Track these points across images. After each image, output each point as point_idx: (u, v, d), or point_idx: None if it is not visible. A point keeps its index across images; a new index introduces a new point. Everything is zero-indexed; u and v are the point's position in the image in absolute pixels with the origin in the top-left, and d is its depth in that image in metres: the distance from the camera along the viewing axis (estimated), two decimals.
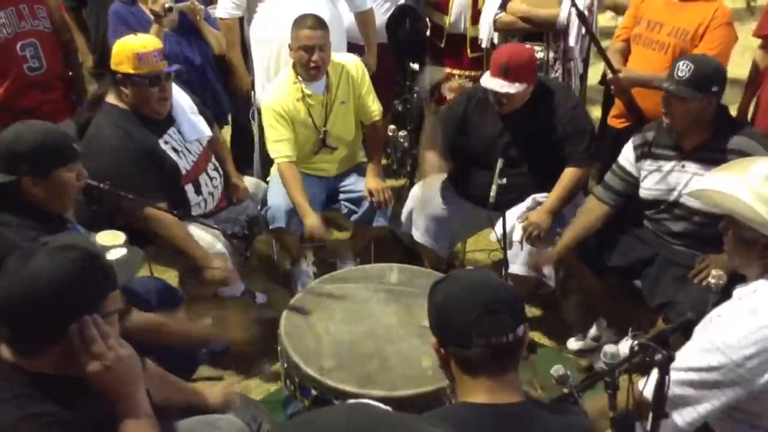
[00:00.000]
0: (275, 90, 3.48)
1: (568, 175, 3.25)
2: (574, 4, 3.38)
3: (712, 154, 2.78)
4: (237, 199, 3.48)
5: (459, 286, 1.62)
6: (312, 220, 3.29)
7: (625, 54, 3.51)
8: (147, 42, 3.00)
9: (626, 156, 3.05)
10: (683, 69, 2.76)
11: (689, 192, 2.14)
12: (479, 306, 1.55)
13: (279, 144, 3.43)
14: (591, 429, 1.70)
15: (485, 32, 3.85)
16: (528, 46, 3.57)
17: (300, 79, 3.41)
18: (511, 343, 1.55)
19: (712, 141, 2.83)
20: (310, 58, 3.31)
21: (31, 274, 1.53)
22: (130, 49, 2.94)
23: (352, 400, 1.59)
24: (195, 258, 3.01)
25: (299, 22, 3.32)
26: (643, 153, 2.98)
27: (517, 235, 3.18)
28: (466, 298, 1.57)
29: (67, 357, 1.57)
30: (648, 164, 2.97)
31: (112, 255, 2.03)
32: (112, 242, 2.28)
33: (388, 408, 1.08)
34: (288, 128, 3.43)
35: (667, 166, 2.91)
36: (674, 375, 1.77)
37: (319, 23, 3.31)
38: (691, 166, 2.85)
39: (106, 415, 1.58)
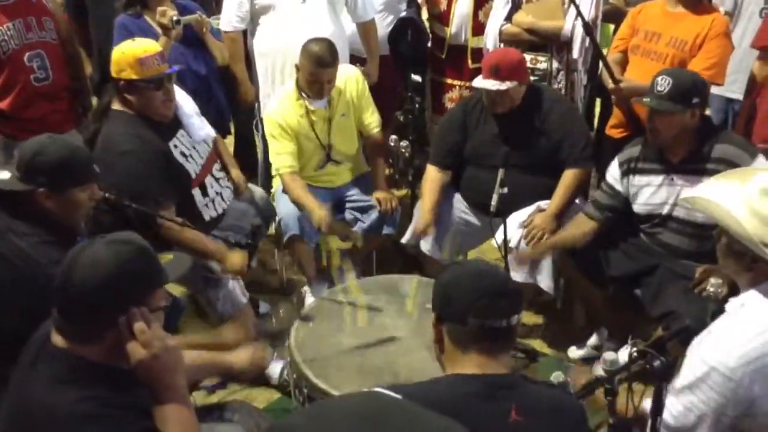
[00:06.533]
0: (279, 104, 3.50)
1: (569, 176, 3.29)
2: (580, 15, 3.40)
3: (698, 165, 2.81)
4: (238, 193, 3.50)
5: (466, 271, 1.73)
6: (320, 212, 3.28)
7: (623, 65, 3.52)
8: (147, 46, 2.99)
9: (612, 173, 3.07)
10: (662, 84, 2.77)
11: (684, 197, 2.15)
12: (480, 290, 1.64)
13: (282, 156, 3.46)
14: (582, 408, 1.74)
15: (491, 43, 3.87)
16: (531, 56, 3.61)
17: (304, 96, 3.43)
18: (504, 328, 1.64)
19: (696, 152, 2.85)
20: (319, 88, 3.35)
21: (90, 260, 1.63)
22: (132, 55, 2.94)
23: (365, 389, 1.63)
24: (212, 254, 3.02)
25: (310, 51, 3.28)
26: (629, 169, 3.00)
27: (515, 241, 3.20)
28: (470, 281, 1.67)
29: (115, 349, 1.65)
30: (636, 180, 2.99)
31: None
32: None
33: (399, 396, 1.10)
34: (291, 141, 3.46)
35: (656, 180, 2.94)
36: (672, 400, 1.81)
37: (331, 55, 3.29)
38: (680, 179, 2.87)
39: (149, 405, 1.65)
